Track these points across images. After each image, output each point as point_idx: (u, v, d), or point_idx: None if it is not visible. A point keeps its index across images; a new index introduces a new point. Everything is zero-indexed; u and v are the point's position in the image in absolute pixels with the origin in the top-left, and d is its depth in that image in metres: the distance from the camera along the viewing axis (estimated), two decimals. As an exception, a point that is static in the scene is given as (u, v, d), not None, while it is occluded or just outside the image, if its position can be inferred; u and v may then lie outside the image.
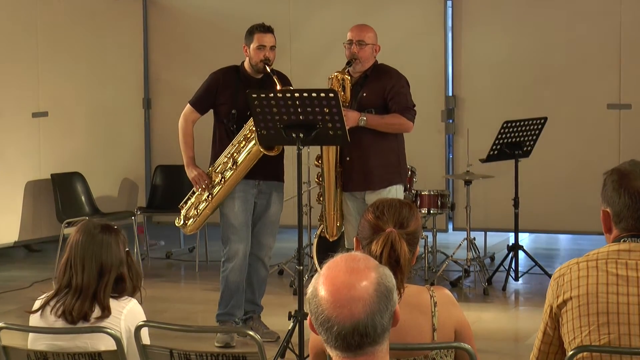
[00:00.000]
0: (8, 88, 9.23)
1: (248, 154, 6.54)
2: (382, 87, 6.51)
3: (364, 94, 6.51)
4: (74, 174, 9.71)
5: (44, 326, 3.71)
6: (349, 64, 6.52)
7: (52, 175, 9.54)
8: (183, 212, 6.85)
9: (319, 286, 2.15)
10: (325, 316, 2.13)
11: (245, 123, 6.56)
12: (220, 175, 6.64)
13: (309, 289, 2.18)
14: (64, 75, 9.84)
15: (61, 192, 9.47)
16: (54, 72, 9.71)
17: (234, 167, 6.58)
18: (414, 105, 6.59)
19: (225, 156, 6.63)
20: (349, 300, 2.11)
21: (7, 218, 9.27)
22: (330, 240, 6.79)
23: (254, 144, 6.49)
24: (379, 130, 6.46)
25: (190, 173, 6.70)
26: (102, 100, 10.28)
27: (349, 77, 6.50)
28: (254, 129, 6.45)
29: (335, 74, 6.48)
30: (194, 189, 6.77)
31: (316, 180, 6.79)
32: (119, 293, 3.71)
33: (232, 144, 6.60)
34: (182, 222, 6.86)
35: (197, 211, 6.78)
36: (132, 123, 10.76)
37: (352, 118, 6.27)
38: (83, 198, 9.67)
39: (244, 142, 6.57)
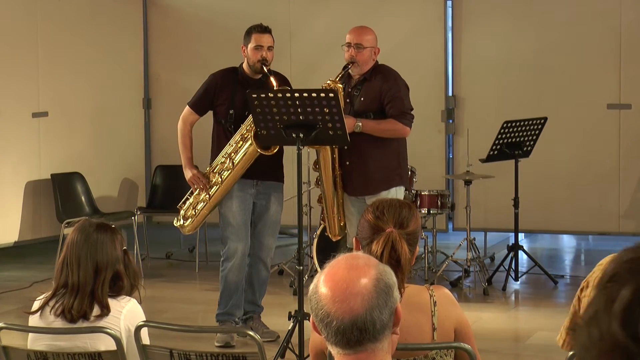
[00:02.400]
0: (8, 88, 9.24)
1: (245, 154, 6.54)
2: (379, 92, 6.47)
3: (362, 99, 6.49)
4: (74, 174, 9.71)
5: (43, 326, 3.71)
6: (345, 68, 6.49)
7: (52, 175, 9.53)
8: (181, 212, 6.86)
9: (320, 283, 2.19)
10: (324, 311, 2.16)
11: (242, 123, 6.57)
12: (217, 175, 6.65)
13: (311, 287, 2.20)
14: (64, 75, 9.84)
15: (61, 192, 9.47)
16: (54, 72, 9.71)
17: (232, 167, 6.59)
18: (412, 109, 6.54)
19: (222, 156, 6.64)
20: (348, 295, 2.14)
21: (7, 218, 9.27)
22: (334, 240, 6.79)
23: (251, 144, 6.49)
24: (375, 135, 6.44)
25: (187, 174, 6.71)
26: (102, 100, 10.28)
27: (342, 86, 6.44)
28: (250, 128, 6.46)
29: (328, 82, 6.41)
30: (192, 189, 6.79)
31: (315, 184, 6.79)
32: (116, 292, 3.71)
33: (230, 144, 6.61)
34: (180, 222, 6.87)
35: (195, 211, 6.79)
36: (132, 123, 10.76)
37: (347, 124, 6.24)
38: (83, 198, 9.67)
39: (241, 142, 6.57)
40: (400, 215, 3.16)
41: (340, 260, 2.22)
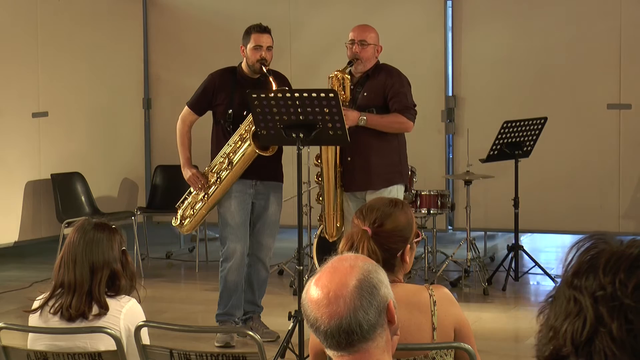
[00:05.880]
0: (8, 88, 9.24)
1: (243, 154, 6.54)
2: (383, 86, 6.51)
3: (365, 94, 6.51)
4: (74, 174, 9.71)
5: (43, 326, 3.71)
6: (350, 63, 6.51)
7: (52, 175, 9.53)
8: (180, 211, 6.87)
9: (308, 289, 2.23)
10: (313, 317, 2.19)
11: (241, 123, 6.57)
12: (216, 175, 6.65)
13: (302, 294, 2.23)
14: (64, 75, 9.84)
15: (61, 192, 9.47)
16: (54, 72, 9.71)
17: (230, 167, 6.59)
18: (415, 105, 6.59)
19: (221, 156, 6.64)
20: (331, 299, 2.17)
21: (7, 218, 9.27)
22: (330, 240, 6.78)
23: (249, 145, 6.49)
24: (379, 130, 6.46)
25: (186, 174, 6.72)
26: (102, 100, 10.28)
27: (349, 77, 6.49)
28: (248, 128, 6.46)
29: (336, 72, 6.47)
30: (191, 189, 6.80)
31: (316, 180, 6.78)
32: (115, 292, 3.71)
33: (228, 144, 6.61)
34: (178, 221, 6.88)
35: (193, 211, 6.79)
36: (132, 123, 10.76)
37: (352, 118, 6.27)
38: (83, 198, 9.67)
39: (239, 142, 6.57)
40: (377, 214, 3.18)
41: (328, 264, 2.25)
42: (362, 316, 2.16)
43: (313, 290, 2.21)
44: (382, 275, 2.24)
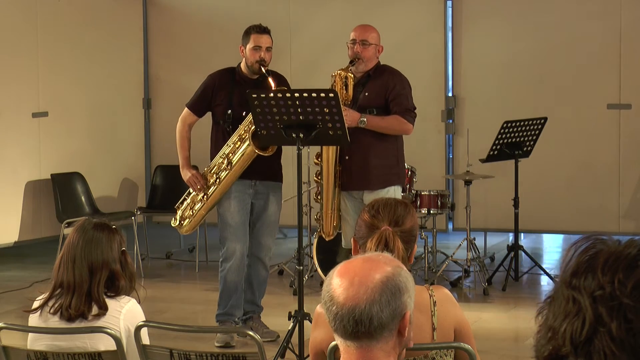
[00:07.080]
0: (8, 88, 9.24)
1: (242, 154, 6.54)
2: (384, 87, 6.51)
3: (366, 93, 6.50)
4: (74, 174, 9.71)
5: (43, 326, 3.71)
6: (352, 63, 6.51)
7: (52, 175, 9.54)
8: (179, 212, 6.87)
9: (337, 268, 2.24)
10: (329, 295, 2.20)
11: (240, 124, 6.57)
12: (215, 175, 6.65)
13: (332, 270, 2.25)
14: (64, 75, 9.84)
15: (61, 192, 9.47)
16: (54, 72, 9.71)
17: (229, 167, 6.59)
18: (415, 108, 6.58)
19: (220, 157, 6.64)
20: (354, 283, 2.18)
21: (7, 218, 9.27)
22: (327, 239, 6.77)
23: (248, 145, 6.49)
24: (378, 131, 6.46)
25: (185, 175, 6.72)
26: (102, 100, 10.29)
27: (352, 76, 6.49)
28: (248, 128, 6.46)
29: (339, 71, 6.47)
30: (190, 189, 6.80)
31: (315, 178, 6.78)
32: (115, 292, 3.71)
33: (227, 145, 6.61)
34: (178, 222, 6.87)
35: (192, 212, 6.79)
36: (132, 123, 10.76)
37: (352, 118, 6.27)
38: (83, 198, 9.67)
39: (239, 143, 6.57)
40: (395, 213, 3.18)
41: (367, 254, 2.30)
42: (375, 311, 2.16)
43: (340, 271, 2.22)
44: (410, 285, 2.24)
